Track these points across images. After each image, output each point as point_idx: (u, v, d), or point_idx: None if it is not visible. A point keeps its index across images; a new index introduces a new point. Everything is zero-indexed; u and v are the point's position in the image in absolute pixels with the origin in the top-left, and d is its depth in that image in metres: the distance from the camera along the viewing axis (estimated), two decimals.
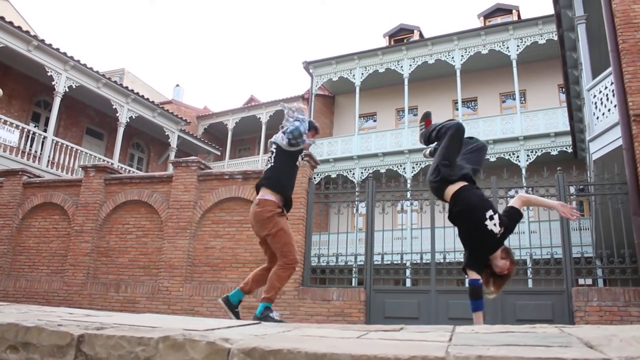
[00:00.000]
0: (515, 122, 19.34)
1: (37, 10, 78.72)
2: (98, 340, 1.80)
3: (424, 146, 4.71)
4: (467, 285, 3.98)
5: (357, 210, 9.00)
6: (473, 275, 3.87)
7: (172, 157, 20.30)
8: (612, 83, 8.35)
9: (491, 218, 3.80)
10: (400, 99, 22.17)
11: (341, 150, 21.37)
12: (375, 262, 8.13)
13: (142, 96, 19.25)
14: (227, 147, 26.33)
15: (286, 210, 4.58)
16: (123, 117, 18.24)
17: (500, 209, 7.75)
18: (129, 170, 18.21)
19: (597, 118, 9.27)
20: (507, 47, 20.17)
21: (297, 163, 4.82)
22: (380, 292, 7.87)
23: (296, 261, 4.41)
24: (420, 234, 8.06)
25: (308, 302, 7.85)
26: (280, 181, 4.53)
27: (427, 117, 4.62)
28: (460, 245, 4.06)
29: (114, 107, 18.05)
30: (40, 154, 15.18)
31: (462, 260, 4.20)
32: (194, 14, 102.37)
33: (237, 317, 4.39)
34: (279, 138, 4.63)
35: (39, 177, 10.94)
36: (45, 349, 1.86)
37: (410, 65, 21.62)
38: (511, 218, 3.93)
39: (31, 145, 15.06)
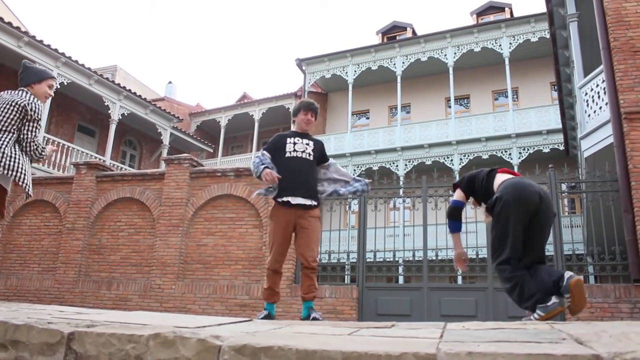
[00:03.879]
0: (508, 120, 19.40)
1: (28, 6, 78.18)
2: (88, 337, 1.79)
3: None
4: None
5: (349, 207, 9.02)
6: (458, 195, 4.07)
7: (164, 154, 20.25)
8: (603, 81, 8.39)
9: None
10: (393, 97, 22.20)
11: (334, 148, 21.36)
12: (368, 260, 8.14)
13: (135, 93, 19.17)
14: (219, 144, 26.27)
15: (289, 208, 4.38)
16: (115, 114, 18.15)
17: None
18: (121, 168, 18.14)
19: (589, 116, 9.32)
20: (500, 45, 20.22)
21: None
22: (372, 289, 7.88)
23: (269, 265, 4.43)
24: (413, 231, 8.08)
25: (300, 300, 7.84)
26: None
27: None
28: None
29: (106, 104, 17.96)
30: None
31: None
32: (186, 11, 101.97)
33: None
34: None
35: None
36: (35, 347, 1.84)
37: (403, 62, 21.63)
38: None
39: None
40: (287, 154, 4.41)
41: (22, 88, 4.05)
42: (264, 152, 4.47)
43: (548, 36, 15.08)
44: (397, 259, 8.64)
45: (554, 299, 3.50)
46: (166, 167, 9.46)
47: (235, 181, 8.90)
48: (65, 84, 16.32)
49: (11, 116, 3.88)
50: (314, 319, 4.20)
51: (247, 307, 8.08)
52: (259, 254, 8.43)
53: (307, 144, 4.52)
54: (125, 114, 18.75)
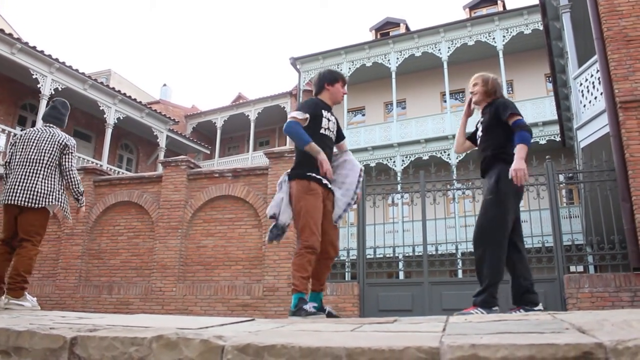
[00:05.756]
0: None
1: (20, 11, 77.98)
2: (91, 342, 1.79)
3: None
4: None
5: None
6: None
7: (161, 157, 20.20)
8: (597, 71, 8.39)
9: None
10: (388, 93, 22.18)
11: None
12: (368, 256, 8.14)
13: (130, 97, 19.13)
14: (216, 145, 26.24)
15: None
16: (111, 118, 18.12)
17: None
18: (118, 172, 18.11)
19: (584, 106, 9.32)
20: (493, 38, 20.22)
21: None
22: (373, 285, 7.88)
23: (312, 244, 3.68)
24: (412, 227, 8.08)
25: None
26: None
27: None
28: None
29: (101, 108, 17.93)
30: None
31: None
32: (178, 13, 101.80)
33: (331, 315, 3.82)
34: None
35: None
36: (38, 353, 1.84)
37: (398, 58, 21.62)
38: None
39: None
40: (322, 130, 3.93)
41: (53, 125, 4.81)
42: (305, 115, 3.84)
43: (541, 28, 15.08)
44: (397, 254, 8.64)
45: (495, 308, 3.63)
46: (163, 170, 9.45)
47: (233, 182, 8.89)
48: (60, 89, 16.26)
49: (56, 153, 4.64)
50: (330, 313, 3.82)
51: (248, 307, 8.09)
52: (259, 253, 8.43)
53: (334, 123, 4.10)
54: (121, 118, 18.71)
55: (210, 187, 9.02)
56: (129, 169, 21.05)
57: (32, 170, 4.55)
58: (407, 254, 8.46)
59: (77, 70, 16.70)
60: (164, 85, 31.97)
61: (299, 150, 3.94)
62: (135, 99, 19.53)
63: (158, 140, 20.76)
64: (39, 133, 4.70)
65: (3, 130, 14.36)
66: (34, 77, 15.42)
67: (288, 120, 3.84)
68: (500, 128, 3.98)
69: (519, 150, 3.76)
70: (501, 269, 3.74)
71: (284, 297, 7.95)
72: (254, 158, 23.82)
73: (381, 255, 8.50)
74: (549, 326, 1.80)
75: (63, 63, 16.08)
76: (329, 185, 3.92)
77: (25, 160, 4.59)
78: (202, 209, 9.01)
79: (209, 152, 25.42)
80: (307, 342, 1.50)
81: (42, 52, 15.41)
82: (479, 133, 4.12)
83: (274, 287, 8.09)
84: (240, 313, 7.98)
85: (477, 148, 4.26)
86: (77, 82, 16.97)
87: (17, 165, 4.62)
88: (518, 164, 3.71)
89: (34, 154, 4.59)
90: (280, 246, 8.22)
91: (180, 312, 8.28)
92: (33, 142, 4.64)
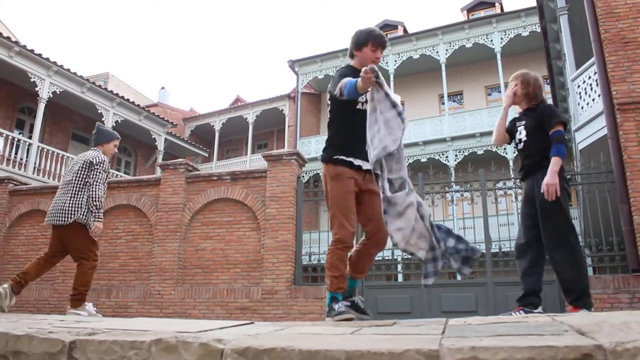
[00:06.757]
0: None
1: (18, 15, 77.98)
2: (90, 345, 1.78)
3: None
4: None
5: None
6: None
7: (159, 160, 20.19)
8: (595, 73, 8.42)
9: None
10: None
11: None
12: None
13: (128, 100, 19.12)
14: (214, 148, 26.25)
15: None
16: (109, 122, 18.10)
17: (489, 201, 7.80)
18: (117, 175, 18.09)
19: (582, 108, 9.34)
20: (491, 40, 20.27)
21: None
22: (372, 288, 7.88)
23: (345, 238, 3.30)
24: None
25: (301, 301, 7.85)
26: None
27: None
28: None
29: (99, 111, 17.91)
30: (26, 161, 15.02)
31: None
32: (178, 15, 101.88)
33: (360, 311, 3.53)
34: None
35: (25, 184, 10.82)
36: (37, 357, 1.84)
37: (395, 60, 21.66)
38: None
39: (16, 153, 14.91)
40: (358, 106, 3.38)
41: (94, 147, 5.25)
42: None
43: (539, 30, 15.13)
44: (395, 256, 8.62)
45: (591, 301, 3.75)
46: (162, 173, 9.44)
47: (232, 185, 8.89)
48: (58, 92, 16.26)
49: (82, 172, 5.04)
50: (357, 305, 3.61)
51: (247, 310, 8.07)
52: (258, 256, 8.42)
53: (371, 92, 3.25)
54: (119, 121, 18.69)
55: (208, 190, 9.02)
56: (127, 172, 21.02)
57: (63, 192, 5.07)
58: (406, 257, 8.46)
59: (75, 74, 16.68)
60: (162, 88, 31.97)
61: (329, 129, 3.58)
62: (133, 102, 19.53)
63: (156, 143, 20.74)
64: (76, 158, 5.29)
65: (1, 134, 14.34)
66: (32, 80, 15.40)
67: (339, 87, 3.22)
68: (546, 133, 3.97)
69: (553, 164, 3.77)
70: (585, 265, 3.84)
71: (283, 300, 7.94)
72: (252, 161, 23.84)
73: (380, 258, 8.49)
74: (548, 328, 1.80)
75: (61, 66, 16.06)
76: (364, 167, 3.37)
77: (62, 184, 5.19)
78: (200, 212, 9.01)
79: (207, 155, 25.42)
80: (307, 345, 1.50)
81: (40, 55, 15.39)
82: (520, 136, 4.13)
83: (272, 290, 8.08)
84: (239, 316, 7.97)
85: (515, 146, 4.28)
86: (75, 85, 16.95)
87: (58, 191, 5.20)
88: (551, 178, 3.73)
89: (67, 177, 5.17)
90: (279, 249, 8.23)
91: (179, 316, 8.26)
92: (69, 168, 5.24)
